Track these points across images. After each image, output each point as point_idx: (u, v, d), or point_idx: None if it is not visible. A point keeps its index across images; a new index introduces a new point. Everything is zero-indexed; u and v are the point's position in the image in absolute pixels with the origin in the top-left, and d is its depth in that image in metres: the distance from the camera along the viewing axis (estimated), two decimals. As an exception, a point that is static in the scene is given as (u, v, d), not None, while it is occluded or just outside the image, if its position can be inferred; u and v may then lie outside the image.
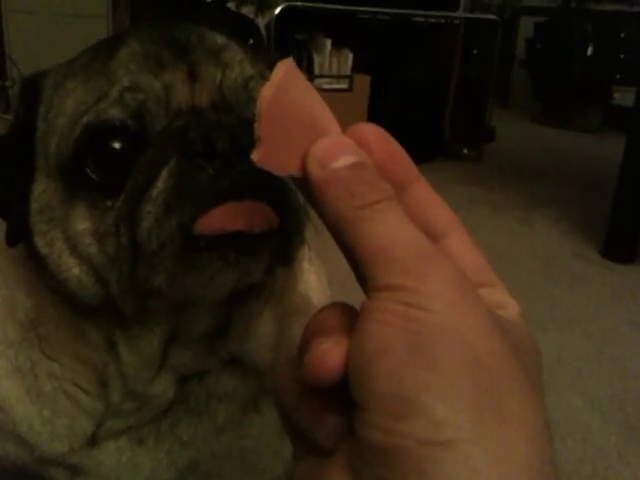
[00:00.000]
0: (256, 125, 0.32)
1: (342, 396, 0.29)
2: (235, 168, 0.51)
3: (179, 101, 0.55)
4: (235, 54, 0.60)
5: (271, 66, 0.63)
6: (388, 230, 0.29)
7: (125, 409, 0.66)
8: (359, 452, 0.28)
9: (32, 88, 0.63)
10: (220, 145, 0.51)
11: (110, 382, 0.65)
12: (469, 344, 0.27)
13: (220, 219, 0.50)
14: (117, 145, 0.54)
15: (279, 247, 0.54)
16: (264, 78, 0.59)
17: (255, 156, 0.32)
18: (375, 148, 0.33)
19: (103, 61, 0.58)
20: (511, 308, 0.33)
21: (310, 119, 0.32)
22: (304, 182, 0.32)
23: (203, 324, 0.63)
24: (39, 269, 0.63)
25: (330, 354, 0.29)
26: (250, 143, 0.52)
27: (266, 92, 0.32)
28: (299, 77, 0.33)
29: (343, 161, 0.31)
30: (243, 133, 0.52)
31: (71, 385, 0.66)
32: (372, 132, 0.33)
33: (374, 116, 3.49)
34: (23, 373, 0.67)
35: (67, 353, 0.66)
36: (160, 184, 0.52)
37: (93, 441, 0.67)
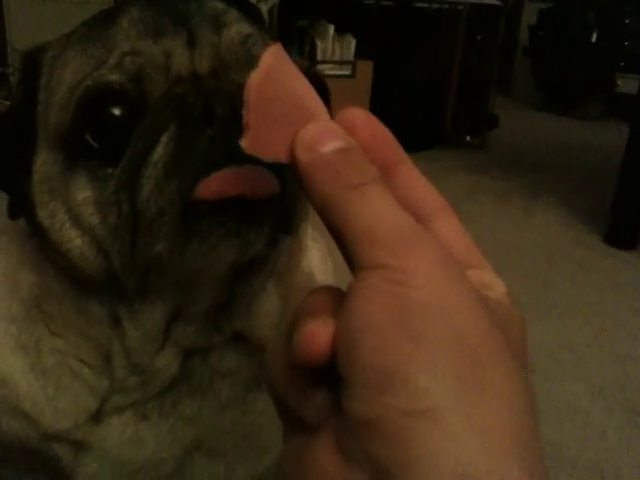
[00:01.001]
0: (244, 112, 0.32)
1: (329, 373, 0.30)
2: (235, 133, 0.51)
3: (179, 67, 0.55)
4: (233, 15, 0.60)
5: (271, 37, 0.63)
6: (373, 210, 0.30)
7: (129, 384, 0.66)
8: (345, 426, 0.29)
9: (32, 62, 0.63)
10: (219, 110, 0.51)
11: (114, 357, 0.65)
12: (452, 319, 0.28)
13: (220, 183, 0.49)
14: (116, 111, 0.54)
15: (280, 216, 0.54)
16: (263, 39, 0.59)
17: (244, 143, 0.32)
18: (362, 132, 0.33)
19: (102, 29, 0.58)
20: (497, 287, 0.33)
21: (298, 105, 0.33)
22: (293, 168, 0.32)
23: (206, 299, 0.62)
24: (42, 244, 0.63)
25: (317, 333, 0.30)
26: None
27: (253, 79, 0.32)
28: (287, 63, 0.33)
29: (330, 145, 0.31)
30: (242, 98, 0.52)
31: (75, 360, 0.66)
32: (359, 116, 0.34)
33: (376, 102, 3.48)
34: (27, 349, 0.67)
35: (71, 329, 0.66)
36: (160, 149, 0.52)
37: (97, 417, 0.67)
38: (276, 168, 0.51)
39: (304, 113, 0.32)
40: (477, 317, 0.28)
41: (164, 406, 0.68)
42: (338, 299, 0.31)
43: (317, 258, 0.80)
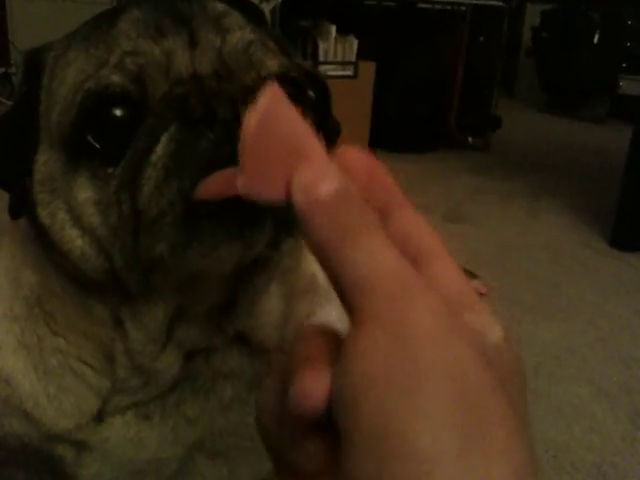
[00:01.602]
0: (240, 153, 0.32)
1: (326, 420, 0.29)
2: (235, 135, 0.51)
3: (179, 68, 0.55)
4: (236, 20, 0.59)
5: (274, 39, 0.63)
6: (371, 258, 0.29)
7: (131, 385, 0.66)
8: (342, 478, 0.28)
9: (35, 62, 0.63)
10: (221, 112, 0.51)
11: (116, 358, 0.65)
12: (455, 377, 0.27)
13: (220, 184, 0.49)
14: (118, 112, 0.54)
15: (282, 216, 0.53)
16: (265, 45, 0.59)
17: (239, 184, 0.32)
18: (360, 173, 0.33)
19: (104, 30, 0.58)
20: (495, 332, 0.32)
21: (294, 146, 0.32)
22: (289, 208, 0.32)
23: (208, 300, 0.62)
24: (43, 244, 0.63)
25: (314, 387, 0.29)
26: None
27: (250, 122, 0.32)
28: (284, 104, 0.33)
29: (327, 188, 0.31)
30: (243, 100, 0.52)
31: (77, 361, 0.66)
32: (357, 157, 0.34)
33: (379, 103, 3.48)
34: (29, 349, 0.67)
35: (73, 329, 0.66)
36: (160, 149, 0.51)
37: (99, 417, 0.67)
38: None
39: (301, 154, 0.32)
40: (479, 373, 0.28)
41: (166, 406, 0.68)
42: (334, 344, 0.31)
43: None
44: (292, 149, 0.32)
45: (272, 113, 0.32)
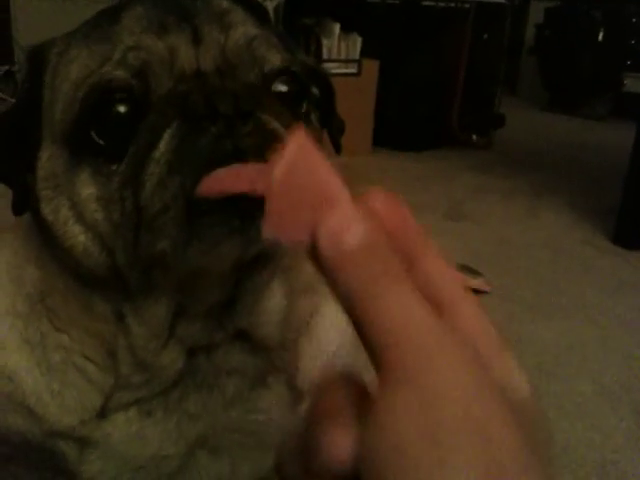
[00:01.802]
0: (266, 199, 0.32)
1: (352, 474, 0.29)
2: (238, 131, 0.51)
3: (183, 64, 0.55)
4: (239, 16, 0.59)
5: (277, 35, 0.63)
6: (400, 312, 0.29)
7: (134, 381, 0.66)
8: None
9: (38, 57, 0.63)
10: (223, 108, 0.51)
11: (119, 354, 0.65)
12: (485, 438, 0.27)
13: (222, 181, 0.49)
14: (121, 108, 0.54)
15: None
16: (268, 41, 0.59)
17: (264, 229, 0.32)
18: (385, 218, 0.32)
19: (107, 26, 0.58)
20: (523, 387, 0.32)
21: (320, 191, 0.32)
22: (313, 252, 0.31)
23: (210, 296, 0.62)
24: (46, 240, 0.63)
25: (340, 445, 0.29)
26: (253, 106, 0.52)
27: (278, 170, 0.32)
28: (310, 150, 0.33)
29: (353, 237, 0.30)
30: (246, 96, 0.53)
31: (80, 357, 0.66)
32: (382, 201, 0.33)
33: (382, 101, 3.48)
34: (32, 345, 0.67)
35: (76, 325, 0.66)
36: (162, 146, 0.52)
37: (102, 413, 0.67)
38: None
39: (327, 200, 0.32)
40: (508, 432, 0.28)
41: (169, 403, 0.68)
42: (359, 395, 0.31)
43: None
44: (318, 195, 0.32)
45: (298, 159, 0.32)
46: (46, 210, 0.60)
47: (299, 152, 0.32)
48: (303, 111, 0.62)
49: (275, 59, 0.59)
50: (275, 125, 0.53)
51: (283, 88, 0.59)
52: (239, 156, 0.50)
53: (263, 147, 0.51)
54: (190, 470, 0.71)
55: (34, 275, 0.68)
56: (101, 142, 0.55)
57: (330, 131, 0.72)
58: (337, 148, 0.73)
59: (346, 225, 0.31)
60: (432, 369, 0.28)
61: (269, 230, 0.32)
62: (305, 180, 0.32)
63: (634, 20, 4.50)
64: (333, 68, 3.19)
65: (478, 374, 0.29)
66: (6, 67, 3.67)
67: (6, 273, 0.71)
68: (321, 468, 0.30)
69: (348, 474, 0.29)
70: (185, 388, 0.68)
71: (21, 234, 0.70)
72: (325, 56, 3.25)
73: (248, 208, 0.50)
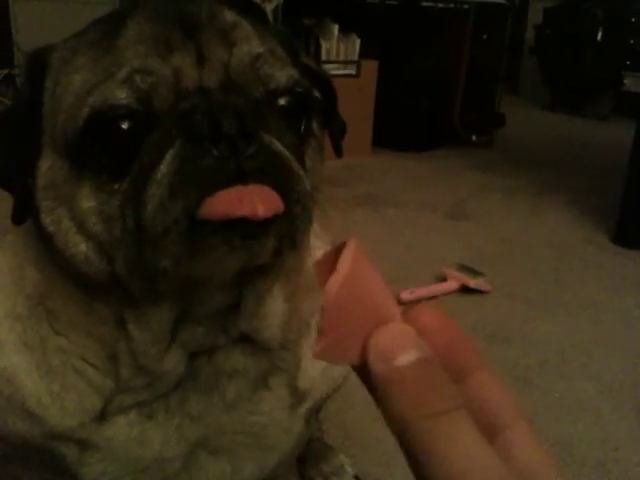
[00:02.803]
0: (321, 316, 0.32)
1: None
2: (241, 151, 0.51)
3: (187, 84, 0.55)
4: (244, 32, 0.58)
5: (282, 42, 0.63)
6: (463, 451, 0.28)
7: (135, 385, 0.66)
8: None
9: (38, 63, 0.62)
10: (226, 128, 0.50)
11: (120, 358, 0.65)
12: None
13: (224, 204, 0.49)
14: (124, 126, 0.54)
15: (285, 231, 0.53)
16: (274, 56, 0.59)
17: (316, 348, 0.32)
18: (436, 335, 0.32)
19: (111, 39, 0.57)
20: None
21: (372, 306, 0.32)
22: (363, 371, 0.31)
23: (213, 303, 0.62)
24: (46, 246, 0.63)
25: None
26: (256, 125, 0.52)
27: (333, 285, 0.31)
28: (363, 262, 0.33)
29: (406, 357, 0.30)
30: (250, 115, 0.52)
31: (80, 360, 0.66)
32: (433, 318, 0.33)
33: (382, 102, 3.48)
34: (32, 347, 0.67)
35: (76, 328, 0.66)
36: (164, 167, 0.51)
37: (102, 416, 0.67)
38: (281, 187, 0.51)
39: (377, 314, 0.32)
40: None
41: (170, 405, 0.68)
42: None
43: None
44: (369, 309, 0.32)
45: (354, 276, 0.32)
46: (47, 220, 0.59)
47: (354, 265, 0.32)
48: (304, 126, 0.61)
49: (280, 76, 0.58)
50: (278, 147, 0.53)
51: (286, 103, 0.58)
52: (242, 178, 0.50)
53: (266, 169, 0.51)
54: (192, 471, 0.71)
55: (34, 277, 0.67)
56: (104, 160, 0.54)
57: (332, 134, 0.71)
58: (338, 151, 0.73)
59: (397, 344, 0.30)
60: None
61: (321, 352, 0.32)
62: (358, 292, 0.32)
63: (633, 19, 4.50)
64: (332, 69, 3.19)
65: None
66: (6, 71, 3.67)
67: (6, 274, 0.70)
68: None
69: None
70: (186, 391, 0.68)
71: (22, 237, 0.69)
72: (324, 57, 3.25)
73: (250, 228, 0.50)
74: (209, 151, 0.50)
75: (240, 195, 0.49)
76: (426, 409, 0.29)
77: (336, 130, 0.71)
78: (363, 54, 3.40)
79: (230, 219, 0.49)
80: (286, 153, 0.53)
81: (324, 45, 3.26)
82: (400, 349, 0.30)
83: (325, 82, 0.68)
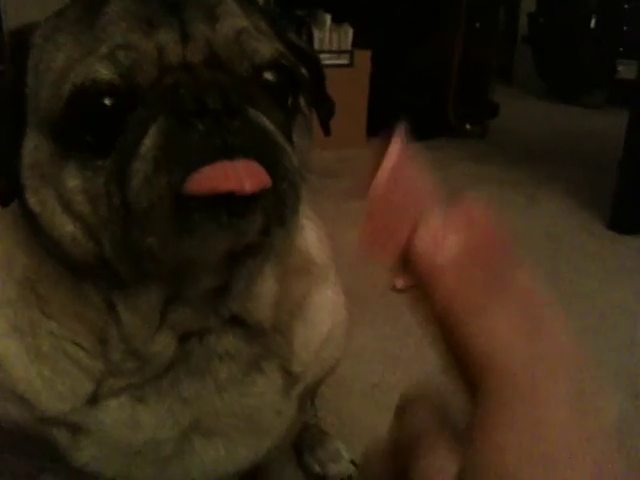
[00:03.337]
0: (366, 209, 0.31)
1: None
2: (226, 127, 0.50)
3: (170, 59, 0.54)
4: (228, 8, 0.58)
5: (268, 19, 0.62)
6: (504, 332, 0.28)
7: (126, 368, 0.65)
8: None
9: (20, 42, 0.61)
10: (211, 103, 0.50)
11: (110, 341, 0.65)
12: (593, 458, 0.27)
13: (210, 179, 0.49)
14: (107, 102, 0.53)
15: (273, 208, 0.53)
16: (258, 30, 0.58)
17: (360, 241, 0.31)
18: (480, 227, 0.31)
19: (93, 16, 0.56)
20: (612, 411, 0.31)
21: (416, 201, 0.32)
22: (407, 268, 0.31)
23: (202, 283, 0.62)
24: (34, 229, 0.62)
25: (441, 470, 0.28)
26: (242, 100, 0.52)
27: (382, 175, 0.31)
28: (407, 158, 0.32)
29: (449, 251, 0.29)
30: (235, 90, 0.52)
31: (70, 344, 0.66)
32: (475, 210, 0.32)
33: (376, 92, 3.47)
34: (22, 332, 0.67)
35: (66, 312, 0.65)
36: (148, 141, 0.50)
37: (94, 400, 0.67)
38: (268, 162, 0.51)
39: (422, 213, 0.31)
40: (611, 452, 0.27)
41: (161, 388, 0.67)
42: (445, 414, 0.30)
43: (313, 237, 0.80)
44: (414, 207, 0.31)
45: (399, 171, 0.31)
46: (32, 200, 0.59)
47: (399, 160, 0.32)
48: (291, 101, 0.61)
49: (265, 50, 0.57)
50: (264, 122, 0.53)
51: (272, 78, 0.58)
52: (227, 153, 0.49)
53: (251, 144, 0.50)
54: (185, 455, 0.71)
55: (23, 261, 0.67)
56: (88, 138, 0.54)
57: (320, 113, 0.71)
58: (326, 130, 0.73)
59: (441, 240, 0.30)
60: (534, 401, 0.27)
61: (366, 244, 0.31)
62: (403, 190, 0.31)
63: (627, 6, 4.48)
64: (325, 59, 3.15)
65: (579, 403, 0.28)
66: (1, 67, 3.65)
67: None
68: None
69: None
70: (177, 373, 0.67)
71: (9, 222, 0.69)
72: (317, 47, 3.23)
73: (236, 204, 0.50)
74: (194, 126, 0.50)
75: (226, 170, 0.49)
76: (467, 299, 0.28)
77: (324, 110, 0.71)
78: (356, 44, 3.39)
79: (216, 194, 0.48)
80: (272, 128, 0.53)
81: (317, 35, 3.25)
82: (443, 246, 0.29)
83: (313, 60, 0.68)
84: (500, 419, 0.27)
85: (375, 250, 0.31)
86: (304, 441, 1.17)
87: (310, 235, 0.79)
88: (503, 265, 0.31)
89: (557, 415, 0.27)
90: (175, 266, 0.57)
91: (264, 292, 0.68)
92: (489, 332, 0.28)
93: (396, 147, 0.32)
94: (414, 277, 0.30)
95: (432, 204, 0.31)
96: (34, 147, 0.58)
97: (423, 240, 0.30)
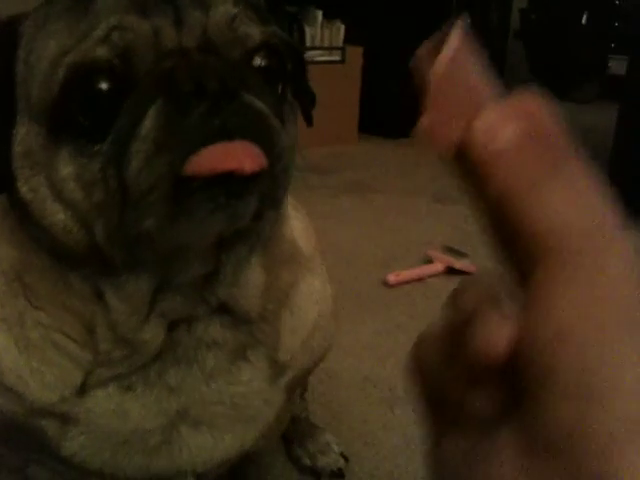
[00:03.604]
0: (427, 92, 0.31)
1: (505, 366, 0.28)
2: (224, 109, 0.51)
3: (166, 43, 0.55)
4: None
5: (253, 8, 0.63)
6: (562, 205, 0.28)
7: (114, 357, 0.66)
8: (536, 433, 0.27)
9: (9, 32, 0.61)
10: (210, 86, 0.51)
11: (98, 331, 0.65)
12: None
13: (210, 159, 0.50)
14: (104, 86, 0.53)
15: (268, 189, 0.54)
16: (248, 17, 0.59)
17: (422, 123, 0.31)
18: (537, 119, 0.31)
19: (86, 3, 0.56)
20: None
21: (475, 89, 0.32)
22: (462, 157, 0.30)
23: (192, 270, 0.62)
24: (23, 218, 0.62)
25: (499, 335, 0.28)
26: (237, 84, 0.53)
27: (439, 64, 0.31)
28: (467, 46, 0.32)
29: (507, 134, 0.29)
30: (230, 75, 0.52)
31: (58, 334, 0.66)
32: (533, 102, 0.31)
33: (368, 88, 3.47)
34: (10, 323, 0.67)
35: (54, 302, 0.66)
36: (148, 122, 0.51)
37: (82, 390, 0.67)
38: (264, 144, 0.52)
39: (481, 99, 0.31)
40: None
41: (149, 377, 0.68)
42: (502, 299, 0.30)
43: (299, 226, 0.81)
44: (473, 94, 0.31)
45: (458, 55, 0.31)
46: (23, 189, 0.59)
47: (460, 45, 0.31)
48: (281, 87, 0.62)
49: (255, 34, 0.58)
50: (259, 104, 0.54)
51: (263, 62, 0.59)
52: (226, 134, 0.51)
53: (248, 126, 0.52)
54: (173, 443, 0.71)
55: (10, 253, 0.67)
56: (84, 122, 0.54)
57: (302, 103, 0.72)
58: (308, 120, 0.74)
59: (500, 123, 0.30)
60: (596, 263, 0.27)
61: (427, 126, 0.31)
62: (462, 75, 0.31)
63: (618, 2, 4.50)
64: (317, 56, 3.17)
65: (636, 271, 0.27)
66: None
67: None
68: (471, 361, 0.29)
69: (496, 368, 0.28)
70: (165, 362, 0.68)
71: None
72: (308, 44, 3.23)
73: (235, 185, 0.51)
74: (194, 108, 0.51)
75: (226, 150, 0.50)
76: (531, 180, 0.28)
77: (306, 100, 0.72)
78: (348, 40, 3.39)
79: (215, 175, 0.49)
80: (267, 111, 0.54)
81: (308, 31, 3.25)
82: (502, 128, 0.29)
83: (294, 51, 0.69)
84: (559, 281, 0.27)
85: (436, 134, 0.31)
86: (294, 434, 1.17)
87: (297, 225, 0.80)
88: (560, 151, 0.30)
89: (614, 280, 0.27)
90: (166, 251, 0.58)
91: (252, 280, 0.68)
92: (547, 205, 0.28)
93: (458, 33, 0.32)
94: (469, 167, 0.30)
95: (490, 94, 0.32)
96: (25, 135, 0.58)
97: (480, 128, 0.30)
